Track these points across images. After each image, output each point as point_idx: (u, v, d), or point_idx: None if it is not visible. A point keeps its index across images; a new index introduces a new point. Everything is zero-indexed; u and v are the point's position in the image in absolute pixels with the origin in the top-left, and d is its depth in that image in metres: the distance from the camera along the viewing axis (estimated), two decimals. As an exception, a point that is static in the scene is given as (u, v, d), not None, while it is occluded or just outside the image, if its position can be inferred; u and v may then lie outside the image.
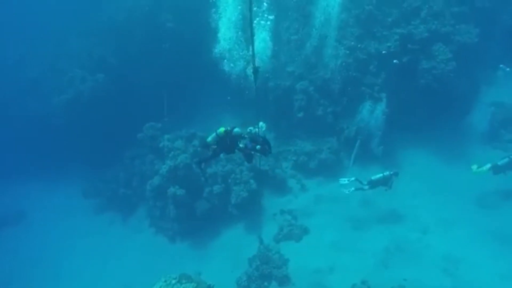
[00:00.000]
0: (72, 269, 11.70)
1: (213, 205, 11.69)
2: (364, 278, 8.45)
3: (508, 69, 12.70)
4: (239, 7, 10.52)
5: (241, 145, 6.43)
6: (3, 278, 11.27)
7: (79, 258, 12.07)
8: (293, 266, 9.48)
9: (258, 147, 6.28)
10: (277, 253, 9.81)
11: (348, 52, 12.99)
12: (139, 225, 13.23)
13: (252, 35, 3.25)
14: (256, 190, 11.40)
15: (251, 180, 11.49)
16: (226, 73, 11.64)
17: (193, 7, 15.20)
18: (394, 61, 12.38)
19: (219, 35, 11.07)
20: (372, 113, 11.87)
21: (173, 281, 6.61)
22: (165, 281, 6.62)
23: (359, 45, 13.06)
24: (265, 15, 10.74)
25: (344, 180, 10.35)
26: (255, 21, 10.53)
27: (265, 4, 10.72)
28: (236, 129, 6.40)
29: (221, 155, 7.25)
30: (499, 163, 10.05)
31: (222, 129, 6.39)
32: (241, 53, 11.21)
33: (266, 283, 9.24)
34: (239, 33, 10.91)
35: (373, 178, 9.98)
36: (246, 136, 6.43)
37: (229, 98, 13.20)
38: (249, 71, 9.58)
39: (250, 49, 3.58)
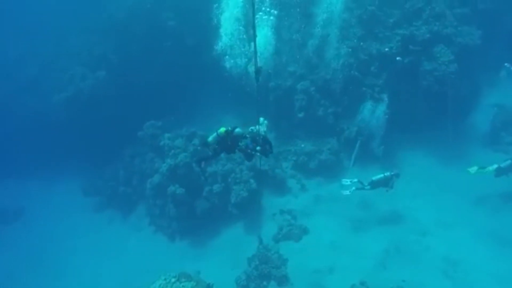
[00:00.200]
0: (71, 267, 11.71)
1: (212, 204, 11.69)
2: (363, 279, 8.46)
3: None
4: (241, 3, 10.43)
5: (242, 145, 6.40)
6: (2, 275, 11.27)
7: (78, 256, 12.08)
8: (292, 266, 9.48)
9: (258, 148, 6.25)
10: (276, 253, 9.82)
11: (349, 52, 12.97)
12: (139, 223, 13.24)
13: (255, 35, 3.22)
14: (256, 189, 11.40)
15: (251, 179, 11.49)
16: (227, 70, 11.59)
17: (195, 5, 15.16)
18: (397, 58, 12.34)
19: (221, 31, 11.00)
20: (373, 113, 11.86)
21: (173, 280, 6.63)
22: (165, 279, 6.65)
23: (361, 45, 13.03)
24: (268, 9, 10.62)
25: (346, 181, 10.36)
26: (257, 16, 10.45)
27: None
28: (237, 129, 6.35)
29: (222, 155, 7.23)
30: (502, 165, 10.06)
31: (223, 129, 6.35)
32: (242, 49, 11.14)
33: (265, 283, 9.26)
34: (241, 28, 10.82)
35: (374, 178, 10.00)
36: (247, 135, 6.39)
37: (230, 95, 13.15)
38: (251, 68, 9.54)
39: (253, 47, 3.54)
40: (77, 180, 15.19)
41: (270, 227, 11.03)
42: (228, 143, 6.44)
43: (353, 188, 10.23)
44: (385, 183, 9.92)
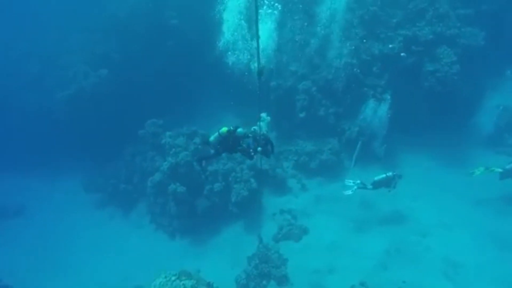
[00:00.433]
0: (72, 263, 11.76)
1: (213, 203, 11.71)
2: (363, 280, 8.46)
3: None
4: None
5: (244, 145, 6.39)
6: (4, 270, 11.34)
7: (79, 252, 12.13)
8: (292, 266, 9.49)
9: (259, 148, 6.23)
10: (276, 252, 9.83)
11: (351, 52, 12.94)
12: (140, 220, 13.28)
13: (258, 36, 3.22)
14: (256, 189, 11.42)
15: (251, 179, 11.51)
16: (229, 67, 11.56)
17: (197, 4, 15.15)
18: (402, 54, 12.27)
19: (224, 26, 10.97)
20: (376, 112, 11.84)
21: (173, 278, 6.65)
22: (165, 277, 6.66)
23: (363, 44, 12.99)
24: (272, 3, 10.56)
25: (349, 182, 10.38)
26: (261, 10, 10.40)
27: None
28: (239, 130, 6.33)
29: (223, 154, 7.22)
30: (507, 167, 10.02)
31: (225, 129, 6.33)
32: (245, 44, 11.07)
33: (264, 282, 9.28)
34: (243, 22, 10.76)
35: (376, 178, 10.02)
36: (250, 135, 6.37)
37: (231, 91, 13.12)
38: (253, 65, 9.49)
39: (256, 46, 3.52)
40: (79, 177, 15.25)
41: (270, 227, 11.04)
42: (229, 143, 6.43)
43: (355, 187, 10.24)
44: (387, 183, 9.93)
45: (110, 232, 13.02)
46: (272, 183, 12.45)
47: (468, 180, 10.65)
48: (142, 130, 13.92)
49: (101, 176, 14.95)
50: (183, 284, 6.50)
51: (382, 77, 12.99)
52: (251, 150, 6.34)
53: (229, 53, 11.32)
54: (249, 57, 11.18)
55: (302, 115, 13.43)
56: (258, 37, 3.33)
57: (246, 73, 11.46)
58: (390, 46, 12.38)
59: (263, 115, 6.23)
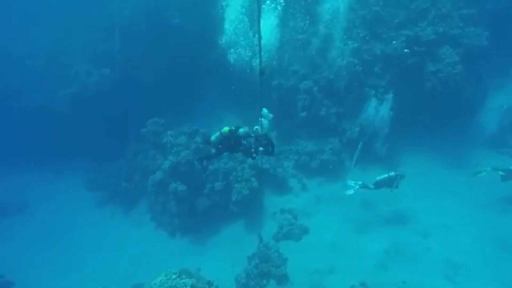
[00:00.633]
0: (73, 260, 11.84)
1: (214, 202, 11.74)
2: (363, 280, 8.45)
3: None
4: None
5: (245, 143, 6.38)
6: (5, 267, 11.43)
7: (80, 250, 12.20)
8: (292, 265, 9.50)
9: (261, 148, 6.24)
10: (276, 252, 9.85)
11: (353, 52, 12.91)
12: (140, 219, 13.33)
13: (260, 37, 3.21)
14: (257, 188, 11.43)
15: (252, 178, 11.52)
16: (231, 64, 11.54)
17: (199, 3, 15.15)
18: (406, 50, 12.23)
19: (226, 23, 10.95)
20: (378, 111, 11.82)
21: (174, 276, 6.67)
22: (166, 275, 6.69)
23: (365, 43, 12.95)
24: None
25: (351, 182, 10.40)
26: (264, 6, 10.37)
27: None
28: (241, 129, 6.34)
29: (224, 154, 7.23)
30: (511, 168, 9.97)
31: (226, 129, 6.33)
32: (247, 40, 11.05)
33: (264, 281, 9.29)
34: (245, 17, 10.73)
35: (378, 178, 10.03)
36: (252, 134, 6.37)
37: (233, 87, 13.09)
38: (255, 62, 9.47)
39: (258, 47, 3.51)
40: (80, 175, 15.32)
41: (271, 226, 11.05)
42: (231, 142, 6.43)
43: (358, 187, 10.27)
44: (390, 183, 9.94)
45: (111, 230, 13.09)
46: (273, 182, 12.46)
47: (469, 181, 10.61)
48: (144, 128, 13.96)
49: (102, 175, 15.02)
50: (183, 282, 6.53)
51: (383, 78, 12.95)
52: (252, 150, 6.34)
53: (232, 50, 11.30)
54: (251, 54, 11.17)
55: (303, 114, 13.41)
56: (260, 37, 3.32)
57: (248, 70, 11.45)
58: (394, 42, 12.31)
59: (265, 111, 6.21)
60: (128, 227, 13.19)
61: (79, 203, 14.65)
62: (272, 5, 10.66)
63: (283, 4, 10.73)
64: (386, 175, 9.96)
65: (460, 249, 9.25)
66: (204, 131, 12.69)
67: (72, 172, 15.66)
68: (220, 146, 6.58)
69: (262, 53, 3.59)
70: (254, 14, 9.71)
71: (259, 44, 3.23)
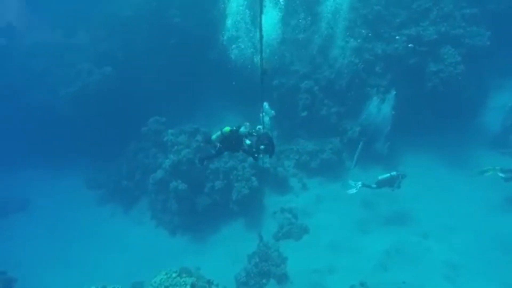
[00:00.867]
0: (74, 258, 11.88)
1: (214, 200, 11.76)
2: (363, 280, 8.45)
3: None
4: None
5: (247, 142, 6.38)
6: (4, 262, 11.49)
7: (81, 247, 12.25)
8: (292, 265, 9.51)
9: (262, 147, 6.24)
10: (276, 251, 9.86)
11: (354, 52, 12.87)
12: (141, 217, 13.37)
13: (261, 36, 3.21)
14: (257, 187, 11.44)
15: (252, 177, 11.53)
16: (232, 61, 11.50)
17: (200, 2, 15.14)
18: (410, 45, 12.15)
19: (227, 20, 10.90)
20: (379, 109, 11.78)
21: (174, 275, 6.70)
22: (166, 274, 6.72)
23: (366, 44, 12.91)
24: None
25: (351, 182, 10.40)
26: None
27: None
28: (242, 129, 6.34)
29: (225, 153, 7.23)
30: None
31: (227, 128, 6.34)
32: (249, 35, 11.01)
33: (264, 280, 9.31)
34: (246, 11, 10.67)
35: (380, 178, 10.03)
36: (254, 134, 6.36)
37: (234, 83, 13.06)
38: (256, 58, 9.44)
39: (259, 44, 3.49)
40: (81, 173, 15.37)
41: (271, 225, 11.07)
42: (232, 142, 6.44)
43: (359, 186, 10.26)
44: (391, 183, 9.93)
45: (112, 228, 13.13)
46: (273, 181, 12.47)
47: (470, 182, 10.57)
48: (145, 127, 14.00)
49: (103, 173, 15.07)
50: (183, 281, 6.55)
51: (385, 77, 12.92)
52: (254, 150, 6.34)
53: (233, 46, 11.26)
54: (252, 50, 11.14)
55: (304, 114, 13.40)
56: (261, 37, 3.32)
57: (249, 66, 11.43)
58: (397, 37, 12.23)
59: (266, 106, 6.20)
60: (129, 225, 13.23)
61: (80, 201, 14.70)
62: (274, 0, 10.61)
63: (283, 4, 10.67)
64: (388, 174, 9.97)
65: (460, 249, 9.23)
66: (205, 130, 12.70)
67: (73, 170, 15.71)
68: (220, 146, 6.58)
69: (263, 50, 3.59)
70: (256, 8, 9.66)
71: (261, 43, 3.23)
